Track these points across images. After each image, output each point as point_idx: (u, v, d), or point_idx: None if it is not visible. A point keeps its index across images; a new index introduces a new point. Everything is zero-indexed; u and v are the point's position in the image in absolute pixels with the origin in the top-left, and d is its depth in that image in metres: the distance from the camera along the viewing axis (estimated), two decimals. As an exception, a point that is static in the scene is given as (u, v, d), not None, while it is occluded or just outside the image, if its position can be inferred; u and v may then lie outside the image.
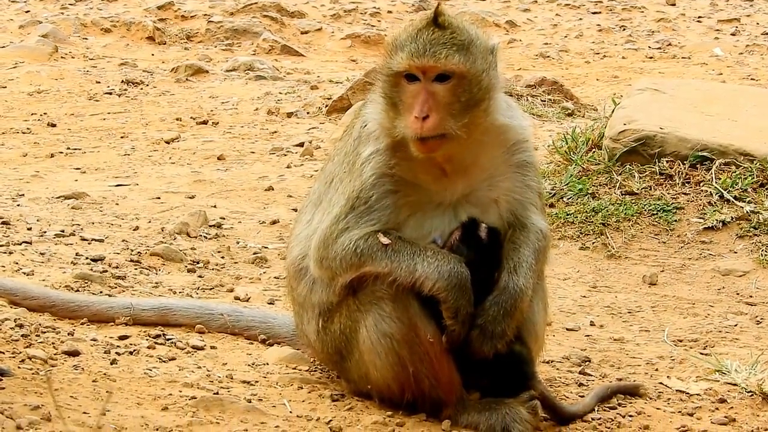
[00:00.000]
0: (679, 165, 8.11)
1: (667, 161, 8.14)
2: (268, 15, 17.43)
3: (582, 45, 17.55)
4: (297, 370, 5.30)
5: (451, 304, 4.66)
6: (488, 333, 4.70)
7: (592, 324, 6.51)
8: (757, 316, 6.74)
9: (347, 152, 4.96)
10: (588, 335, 6.31)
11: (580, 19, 19.42)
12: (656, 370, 5.79)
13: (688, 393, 5.42)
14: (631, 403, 5.26)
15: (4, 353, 4.95)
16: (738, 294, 7.11)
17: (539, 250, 4.88)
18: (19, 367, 4.77)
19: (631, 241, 7.74)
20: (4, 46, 14.93)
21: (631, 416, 5.10)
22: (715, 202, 7.89)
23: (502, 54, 4.93)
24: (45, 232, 7.06)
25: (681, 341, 6.28)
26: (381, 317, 4.75)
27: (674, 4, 20.28)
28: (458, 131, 4.65)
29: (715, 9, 20.02)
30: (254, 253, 7.22)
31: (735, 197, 7.87)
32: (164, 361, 5.22)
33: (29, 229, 7.10)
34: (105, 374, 4.92)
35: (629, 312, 6.78)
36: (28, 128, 11.04)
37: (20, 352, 4.97)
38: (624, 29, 18.67)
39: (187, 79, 13.46)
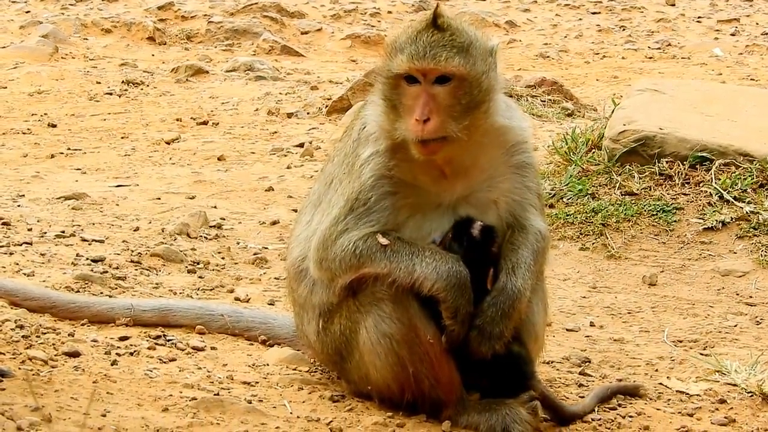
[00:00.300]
0: (679, 165, 8.11)
1: (666, 162, 8.14)
2: (268, 15, 17.44)
3: (582, 45, 17.56)
4: (297, 371, 5.31)
5: (450, 303, 4.67)
6: (486, 334, 4.70)
7: (592, 324, 6.52)
8: (756, 317, 6.74)
9: (347, 153, 4.97)
10: (588, 336, 6.31)
11: (580, 19, 19.43)
12: (656, 370, 5.79)
13: (688, 393, 5.42)
14: (631, 403, 5.26)
15: (4, 354, 4.95)
16: (738, 294, 7.11)
17: (538, 251, 4.88)
18: (19, 368, 4.78)
19: (630, 241, 7.75)
20: (4, 47, 14.95)
21: (631, 417, 5.10)
22: (714, 203, 7.89)
23: (502, 54, 4.93)
24: (45, 232, 7.06)
25: (681, 342, 6.29)
26: (381, 318, 4.75)
27: (674, 5, 20.29)
28: (459, 133, 4.66)
29: (714, 9, 20.03)
30: (254, 254, 7.23)
31: (735, 198, 7.88)
32: (165, 362, 5.22)
33: (30, 229, 7.11)
34: (105, 375, 4.92)
35: (629, 312, 6.78)
36: (28, 129, 11.05)
37: (21, 353, 4.97)
38: (624, 29, 18.68)
39: (187, 80, 13.47)
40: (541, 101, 11.82)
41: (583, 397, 5.28)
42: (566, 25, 18.95)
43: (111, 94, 12.65)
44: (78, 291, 6.06)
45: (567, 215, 7.92)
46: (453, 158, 4.78)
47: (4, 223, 7.13)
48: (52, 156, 10.06)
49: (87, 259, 6.62)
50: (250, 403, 4.80)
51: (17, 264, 6.39)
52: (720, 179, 7.97)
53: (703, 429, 5.04)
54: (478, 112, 4.72)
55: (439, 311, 4.71)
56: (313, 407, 4.89)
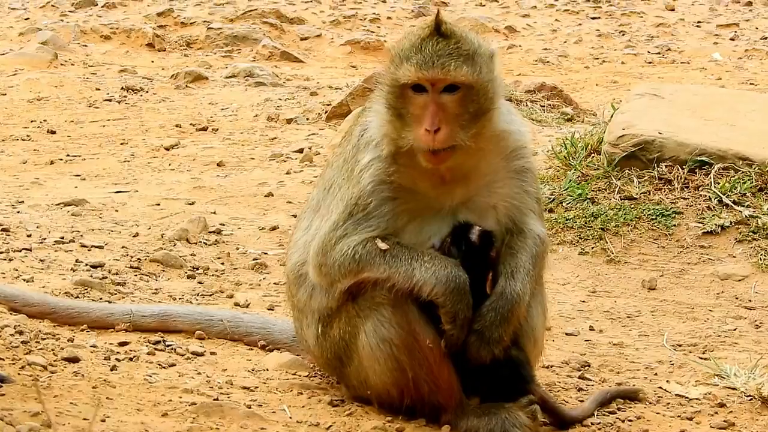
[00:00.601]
0: (678, 170, 8.11)
1: (666, 166, 8.14)
2: (267, 21, 17.46)
3: (581, 50, 17.58)
4: (297, 376, 5.31)
5: (449, 308, 4.67)
6: (485, 338, 4.70)
7: (591, 329, 6.51)
8: (756, 321, 6.74)
9: (346, 159, 4.96)
10: (587, 340, 6.31)
11: (580, 24, 19.45)
12: (655, 374, 5.79)
13: (687, 397, 5.42)
14: (630, 407, 5.26)
15: (4, 360, 4.95)
16: (737, 298, 7.11)
17: (537, 255, 4.88)
18: (19, 374, 4.78)
19: (630, 245, 7.75)
20: (4, 54, 14.97)
21: (630, 421, 5.10)
22: (714, 207, 7.90)
23: (501, 59, 4.94)
24: (45, 238, 7.06)
25: (680, 346, 6.29)
26: (380, 323, 4.75)
27: (673, 9, 20.32)
28: (468, 141, 4.66)
29: (714, 14, 20.06)
30: (254, 259, 7.23)
31: (734, 202, 7.88)
32: (164, 367, 5.22)
33: (29, 235, 7.11)
34: (105, 380, 4.92)
35: (628, 317, 6.78)
36: (27, 135, 11.06)
37: (20, 359, 4.97)
38: (623, 34, 18.70)
39: (186, 86, 13.48)
40: (541, 106, 11.83)
41: (582, 401, 5.28)
42: (566, 30, 18.97)
43: (110, 100, 12.66)
44: (77, 297, 6.06)
45: (566, 220, 7.92)
46: (455, 164, 4.78)
47: (3, 230, 7.13)
48: (52, 162, 10.06)
49: (86, 264, 6.62)
50: (250, 407, 4.80)
51: (17, 270, 6.39)
52: (719, 183, 7.98)
53: (702, 433, 5.05)
54: (485, 119, 4.72)
55: (438, 316, 4.71)
56: (313, 412, 4.89)
